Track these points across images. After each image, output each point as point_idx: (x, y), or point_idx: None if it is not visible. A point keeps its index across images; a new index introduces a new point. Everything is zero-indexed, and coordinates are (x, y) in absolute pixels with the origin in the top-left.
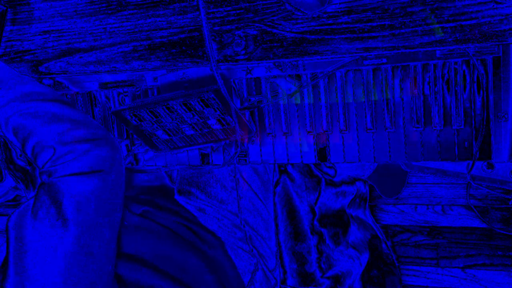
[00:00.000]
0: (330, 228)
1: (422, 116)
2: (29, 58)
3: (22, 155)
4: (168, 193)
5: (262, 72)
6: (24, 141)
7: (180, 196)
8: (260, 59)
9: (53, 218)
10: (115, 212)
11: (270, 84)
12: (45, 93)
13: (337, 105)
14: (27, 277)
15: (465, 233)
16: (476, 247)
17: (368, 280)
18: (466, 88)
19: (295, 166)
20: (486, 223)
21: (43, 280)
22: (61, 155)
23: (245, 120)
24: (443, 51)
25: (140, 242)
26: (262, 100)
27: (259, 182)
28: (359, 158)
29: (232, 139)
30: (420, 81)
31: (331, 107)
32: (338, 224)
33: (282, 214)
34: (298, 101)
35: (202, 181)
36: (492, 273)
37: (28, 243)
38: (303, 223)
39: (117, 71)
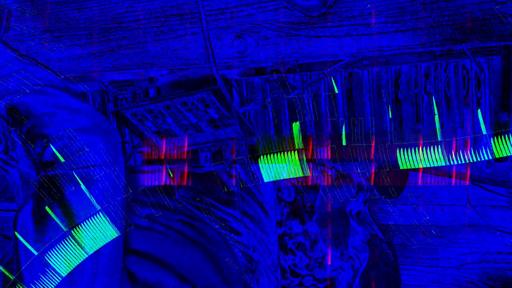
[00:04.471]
0: (330, 228)
1: (422, 116)
2: None
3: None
4: (170, 192)
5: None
6: (21, 122)
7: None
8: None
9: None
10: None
11: (270, 84)
12: (51, 80)
13: (337, 105)
14: None
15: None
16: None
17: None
18: (466, 88)
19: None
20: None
21: None
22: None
23: (245, 120)
24: (443, 51)
25: (148, 241)
26: (263, 100)
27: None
28: (359, 158)
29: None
30: (421, 81)
31: (331, 107)
32: (338, 224)
33: (282, 214)
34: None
35: None
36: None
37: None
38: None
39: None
